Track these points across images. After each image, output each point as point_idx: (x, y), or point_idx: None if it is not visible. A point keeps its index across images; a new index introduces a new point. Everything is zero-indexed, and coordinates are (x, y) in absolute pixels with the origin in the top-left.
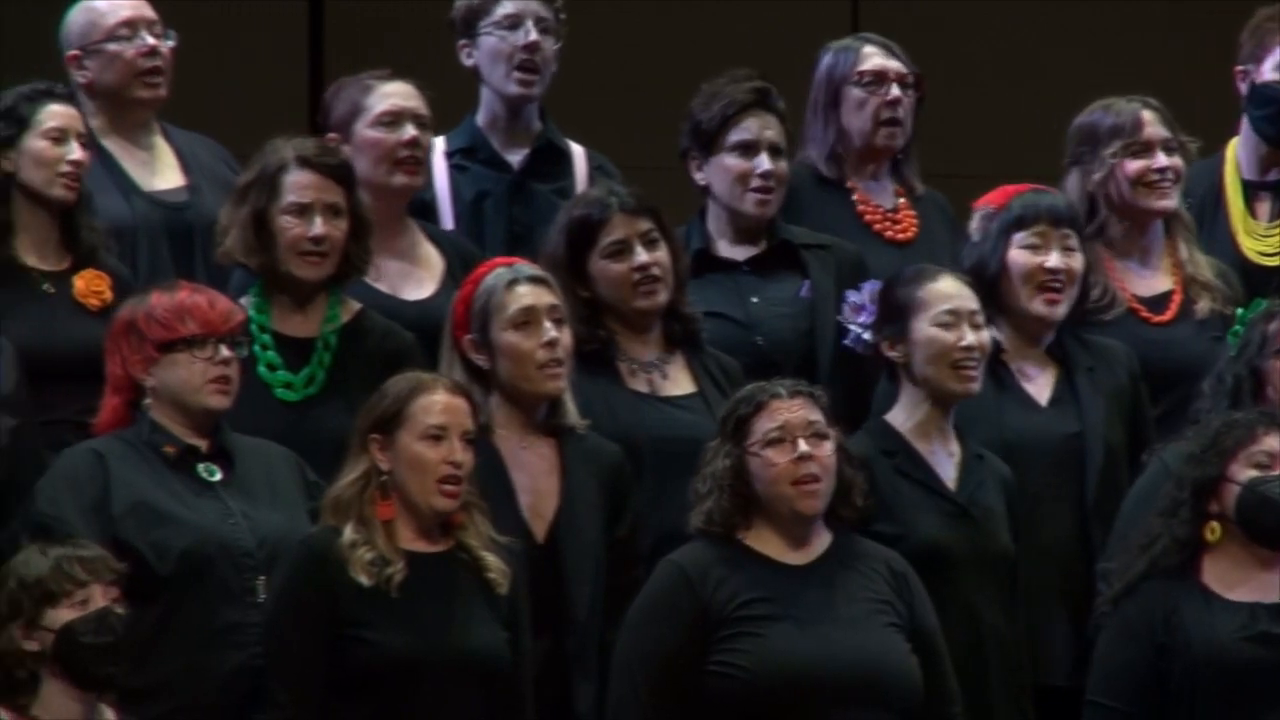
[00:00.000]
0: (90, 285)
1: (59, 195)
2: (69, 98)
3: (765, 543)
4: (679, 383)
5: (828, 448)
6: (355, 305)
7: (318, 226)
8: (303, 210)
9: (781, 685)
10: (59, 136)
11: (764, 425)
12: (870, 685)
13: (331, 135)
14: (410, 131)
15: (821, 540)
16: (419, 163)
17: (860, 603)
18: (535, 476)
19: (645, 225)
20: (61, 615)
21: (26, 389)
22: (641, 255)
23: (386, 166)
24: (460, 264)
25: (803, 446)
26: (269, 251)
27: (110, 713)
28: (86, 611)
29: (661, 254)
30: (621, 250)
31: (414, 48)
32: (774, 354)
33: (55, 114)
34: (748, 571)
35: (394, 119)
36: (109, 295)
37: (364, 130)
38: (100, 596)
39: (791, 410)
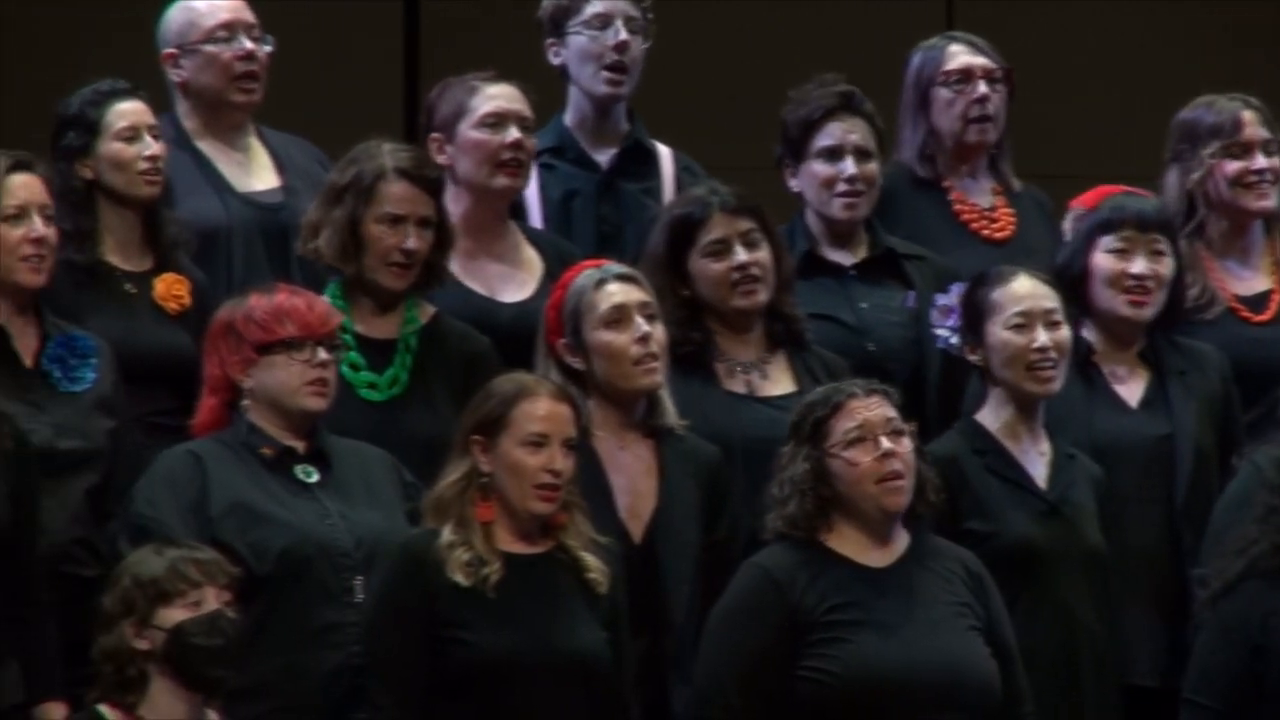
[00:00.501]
0: (170, 289)
1: (143, 193)
2: (133, 93)
3: (847, 544)
4: (779, 383)
5: (907, 443)
6: (430, 308)
7: (411, 240)
8: (396, 221)
9: (870, 692)
10: (131, 135)
11: (843, 425)
12: (955, 690)
13: (434, 136)
14: (514, 134)
15: (900, 540)
16: (522, 165)
17: (941, 605)
18: (633, 477)
19: (746, 225)
20: (174, 615)
21: (123, 391)
22: (741, 255)
23: (489, 168)
24: (559, 265)
25: (885, 444)
26: (358, 258)
27: (215, 716)
28: (199, 613)
29: (762, 254)
30: (721, 249)
31: (509, 47)
32: (885, 360)
33: (124, 113)
34: (832, 574)
35: (498, 121)
36: (187, 300)
37: (468, 131)
38: (213, 599)
39: (869, 409)
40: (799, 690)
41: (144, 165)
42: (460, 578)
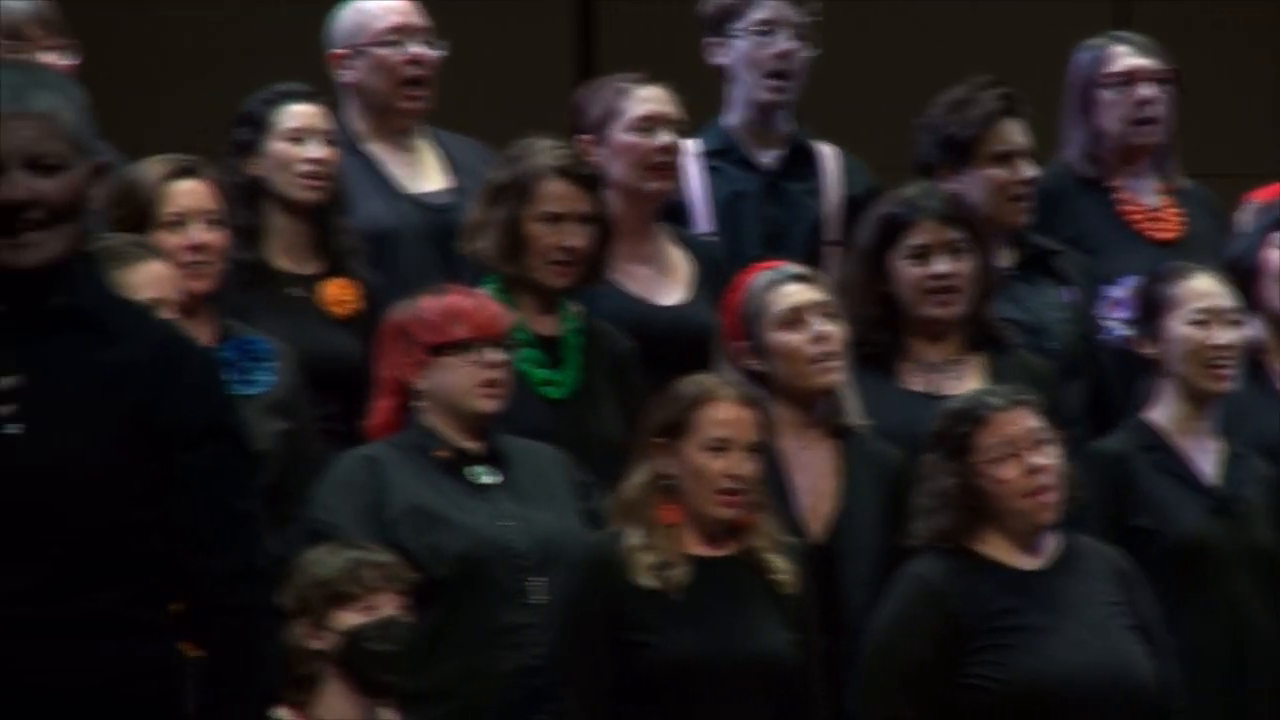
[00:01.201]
0: (339, 293)
1: (301, 196)
2: (311, 96)
3: (999, 549)
4: (969, 384)
5: (1054, 453)
6: (579, 307)
7: (571, 237)
8: (556, 219)
9: (1035, 697)
10: (298, 137)
11: (987, 441)
12: (1116, 691)
13: (584, 138)
14: (665, 137)
15: (1050, 542)
16: (672, 168)
17: (1097, 606)
18: (815, 478)
19: (954, 234)
20: (349, 618)
21: (304, 394)
22: (942, 264)
23: (640, 171)
24: (709, 268)
25: (1031, 459)
26: (519, 258)
27: (389, 717)
28: (374, 617)
29: (965, 265)
30: (922, 255)
31: (682, 45)
32: (1064, 357)
33: (294, 114)
34: (989, 581)
35: (650, 124)
36: (356, 304)
37: (619, 135)
38: (389, 604)
39: (1013, 422)
40: (963, 698)
41: (305, 168)
42: (646, 580)
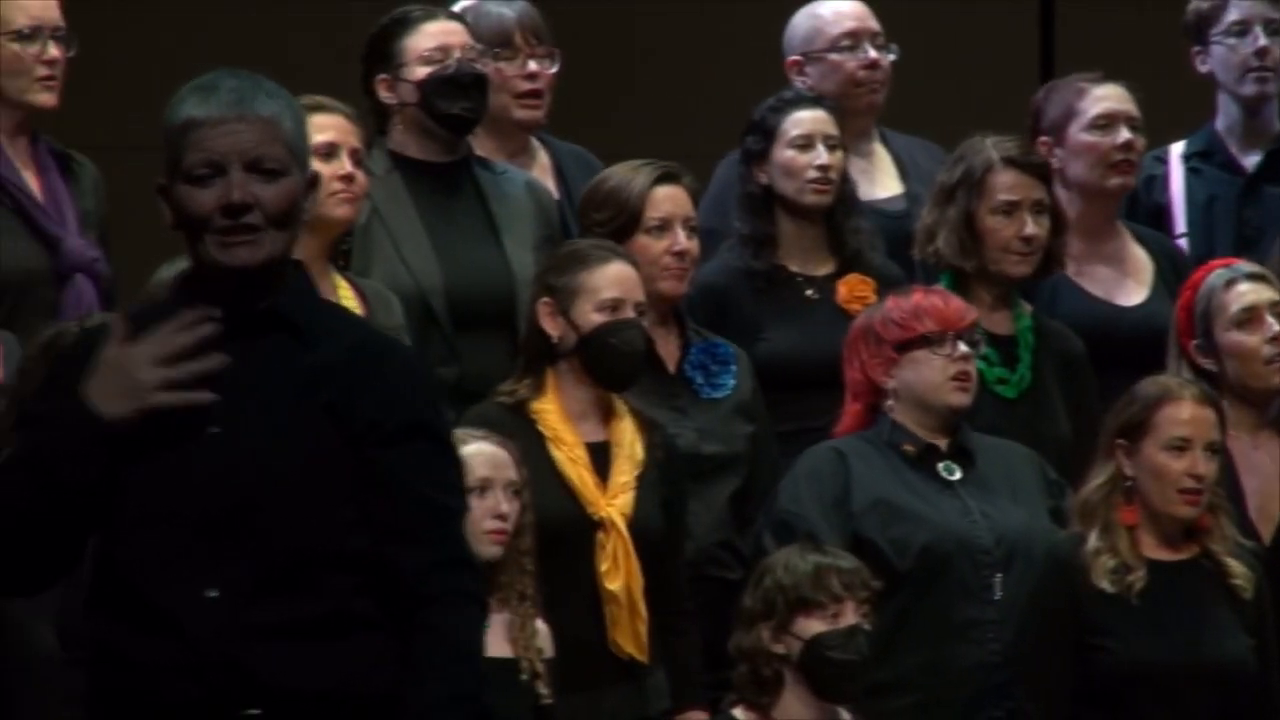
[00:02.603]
0: (853, 290)
1: (808, 201)
2: (816, 102)
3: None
4: None
5: (1215, 464)
6: (1028, 305)
7: (1028, 226)
8: (1011, 209)
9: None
10: (805, 143)
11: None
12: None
13: (1043, 139)
14: (1124, 134)
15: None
16: (1132, 165)
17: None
18: (1265, 479)
19: None
20: (812, 626)
21: (762, 397)
22: None
23: (1101, 170)
24: (1168, 267)
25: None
26: (978, 252)
27: (848, 717)
28: (837, 626)
29: None
30: None
31: (1145, 55)
32: None
33: (799, 121)
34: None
35: (1109, 122)
36: (873, 299)
37: (1078, 134)
38: (851, 613)
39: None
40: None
41: (813, 174)
42: (1105, 585)
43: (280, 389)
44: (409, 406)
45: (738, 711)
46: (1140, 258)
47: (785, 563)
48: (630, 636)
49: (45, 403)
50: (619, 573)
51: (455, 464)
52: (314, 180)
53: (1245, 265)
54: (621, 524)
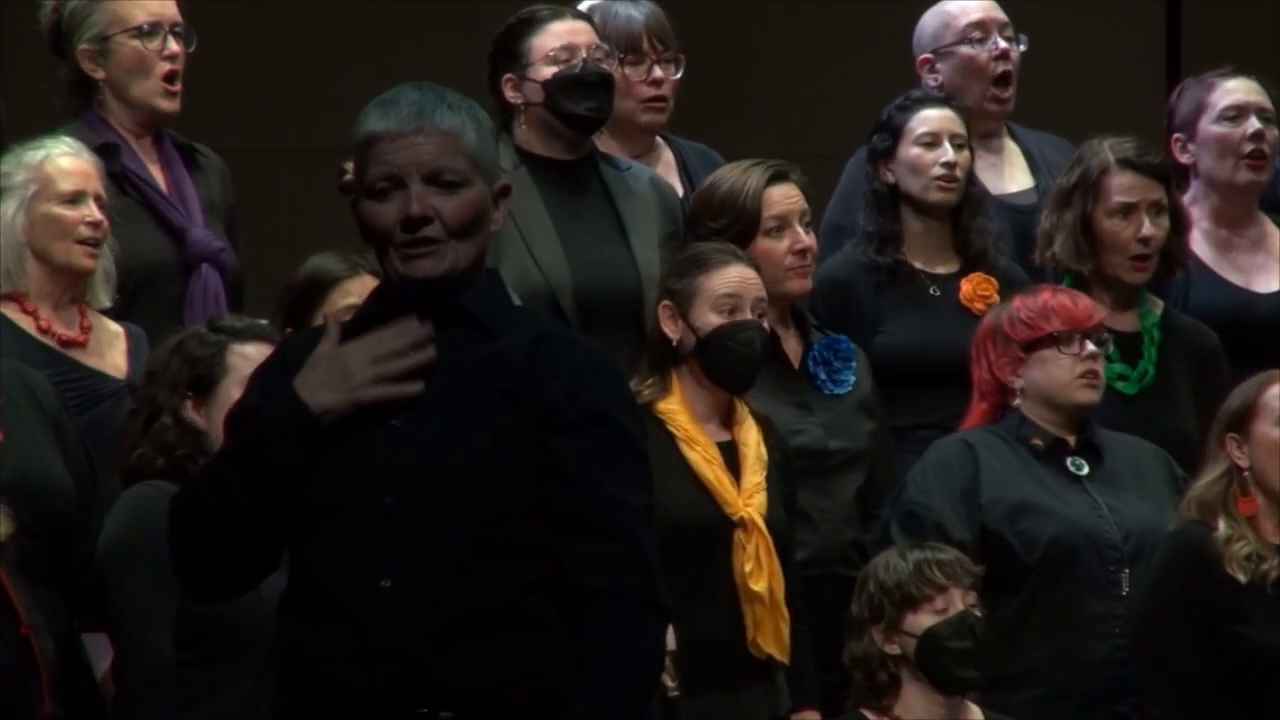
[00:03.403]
0: (977, 289)
1: (933, 199)
2: (944, 102)
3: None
4: None
5: None
6: (1159, 301)
7: (1146, 227)
8: (1129, 211)
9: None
10: (931, 141)
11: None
12: None
13: (1176, 136)
14: (1254, 125)
15: None
16: (1264, 155)
17: None
18: None
19: None
20: (922, 620)
21: (880, 394)
22: None
23: (1232, 161)
24: None
25: None
26: (1095, 255)
27: (973, 707)
28: (946, 615)
29: None
30: None
31: (1275, 50)
32: None
33: (926, 119)
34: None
35: (1238, 113)
36: (996, 299)
37: (1208, 127)
38: (959, 600)
39: None
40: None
41: (939, 171)
42: (1239, 573)
43: (461, 379)
44: (591, 395)
45: (866, 712)
46: None
47: (885, 564)
48: (773, 637)
49: (256, 402)
50: (762, 573)
51: (638, 460)
52: (504, 190)
53: None
54: (761, 524)
